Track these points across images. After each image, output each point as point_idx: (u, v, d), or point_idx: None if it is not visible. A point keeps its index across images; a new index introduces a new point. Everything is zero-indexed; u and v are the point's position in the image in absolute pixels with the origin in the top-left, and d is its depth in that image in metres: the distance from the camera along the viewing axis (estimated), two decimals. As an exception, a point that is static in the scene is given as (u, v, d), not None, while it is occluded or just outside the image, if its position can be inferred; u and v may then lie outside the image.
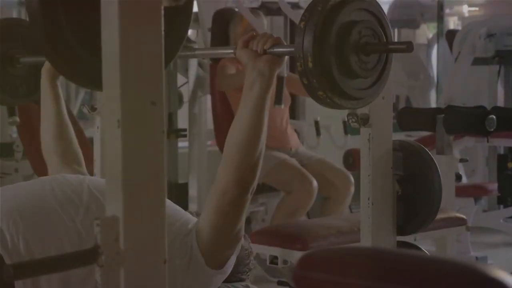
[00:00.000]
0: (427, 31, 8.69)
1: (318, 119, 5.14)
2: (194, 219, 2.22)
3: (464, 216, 3.57)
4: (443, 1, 7.90)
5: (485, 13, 7.79)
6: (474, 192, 5.03)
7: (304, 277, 1.30)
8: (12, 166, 4.68)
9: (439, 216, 2.75)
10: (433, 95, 7.95)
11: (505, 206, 5.94)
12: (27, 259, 1.98)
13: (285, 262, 3.09)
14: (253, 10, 5.01)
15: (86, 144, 4.22)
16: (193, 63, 5.26)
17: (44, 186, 2.18)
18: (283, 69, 4.49)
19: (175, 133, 5.08)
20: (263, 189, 4.60)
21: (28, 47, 2.72)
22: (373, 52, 1.95)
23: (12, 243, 2.02)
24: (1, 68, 2.70)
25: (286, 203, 4.55)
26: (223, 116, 4.85)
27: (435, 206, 2.48)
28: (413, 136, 5.18)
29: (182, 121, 5.34)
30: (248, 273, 2.38)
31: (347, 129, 5.25)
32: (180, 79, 5.28)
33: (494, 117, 3.57)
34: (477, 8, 8.21)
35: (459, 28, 7.60)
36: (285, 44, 2.06)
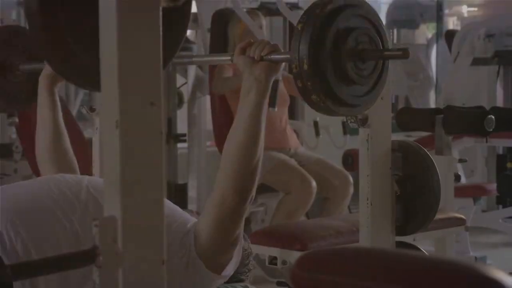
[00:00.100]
0: (426, 31, 8.69)
1: (317, 119, 5.14)
2: (192, 219, 2.21)
3: (463, 216, 3.57)
4: (442, 1, 7.91)
5: (484, 13, 7.79)
6: (473, 192, 5.03)
7: (302, 277, 1.30)
8: (11, 166, 4.68)
9: (438, 216, 2.75)
10: (432, 95, 7.95)
11: (504, 206, 5.94)
12: (25, 260, 1.98)
13: (284, 262, 3.08)
14: (252, 10, 5.01)
15: (85, 145, 4.23)
16: (192, 64, 5.26)
17: (42, 186, 2.18)
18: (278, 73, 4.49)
19: (175, 138, 5.10)
20: (262, 189, 4.60)
21: (27, 54, 2.73)
22: (369, 58, 1.94)
23: (10, 243, 2.01)
24: (0, 75, 2.70)
25: (285, 203, 4.55)
26: (223, 117, 4.85)
27: (434, 206, 2.48)
28: (412, 137, 5.19)
29: (181, 121, 5.34)
30: (247, 274, 2.38)
31: (346, 130, 5.25)
32: (179, 80, 5.28)
33: (493, 117, 3.57)
34: (476, 8, 8.21)
35: (458, 28, 7.60)
36: (282, 51, 2.06)
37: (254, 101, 2.03)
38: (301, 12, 5.66)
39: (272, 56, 2.04)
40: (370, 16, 1.97)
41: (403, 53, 1.93)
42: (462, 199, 4.71)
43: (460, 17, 8.49)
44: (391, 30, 8.21)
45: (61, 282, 2.02)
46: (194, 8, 5.17)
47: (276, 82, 4.25)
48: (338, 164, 4.88)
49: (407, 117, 3.84)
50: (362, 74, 1.94)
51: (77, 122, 4.83)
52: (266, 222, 4.84)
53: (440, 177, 2.49)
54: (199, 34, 5.43)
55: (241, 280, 2.35)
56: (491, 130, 3.58)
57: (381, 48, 1.97)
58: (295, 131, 5.06)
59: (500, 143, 5.74)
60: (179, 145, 5.28)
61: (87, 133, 4.65)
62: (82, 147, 4.25)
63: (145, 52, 1.42)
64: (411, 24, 8.35)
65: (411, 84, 7.68)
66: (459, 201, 4.53)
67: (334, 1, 1.92)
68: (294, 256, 3.02)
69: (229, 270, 2.17)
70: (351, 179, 4.64)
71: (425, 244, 3.79)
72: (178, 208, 2.28)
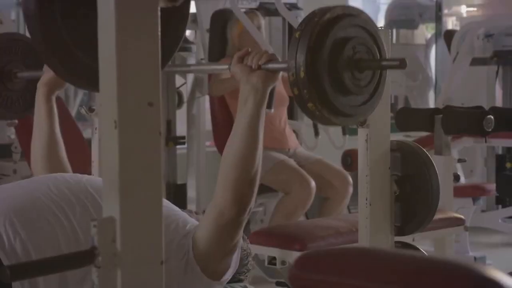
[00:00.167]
0: (425, 32, 8.69)
1: (317, 119, 5.13)
2: (192, 221, 2.21)
3: (462, 216, 3.57)
4: (441, 1, 7.91)
5: (483, 14, 7.79)
6: (472, 192, 5.03)
7: (301, 277, 1.30)
8: (10, 167, 4.68)
9: (437, 216, 2.75)
10: (431, 95, 7.95)
11: (504, 206, 5.94)
12: (24, 260, 1.98)
13: (283, 262, 3.08)
14: (251, 11, 5.01)
15: (84, 145, 4.23)
16: (191, 64, 5.26)
17: (41, 186, 2.18)
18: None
19: (174, 140, 5.10)
20: (261, 189, 4.59)
21: (25, 62, 2.73)
22: (366, 68, 1.93)
23: (9, 243, 2.01)
24: None
25: (284, 203, 4.55)
26: (222, 117, 4.85)
27: (433, 206, 2.48)
28: (411, 137, 5.19)
29: (181, 122, 5.34)
30: (246, 274, 2.38)
31: (346, 130, 5.25)
32: (179, 80, 5.28)
33: (492, 117, 3.57)
34: (475, 9, 8.21)
35: (458, 28, 7.60)
36: (280, 60, 2.06)
37: (252, 110, 2.03)
38: (300, 13, 5.68)
39: (269, 65, 2.05)
40: (368, 26, 1.96)
41: (400, 64, 1.92)
42: (461, 199, 4.71)
43: (459, 17, 8.48)
44: (390, 30, 8.20)
45: (61, 280, 2.02)
46: (193, 8, 5.18)
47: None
48: (337, 164, 4.88)
49: (406, 117, 3.84)
50: (359, 84, 1.93)
51: (76, 122, 4.84)
52: (265, 222, 4.84)
53: (439, 177, 2.49)
54: (198, 35, 5.43)
55: (240, 280, 2.35)
56: (490, 130, 3.58)
57: (379, 58, 1.96)
58: (294, 131, 5.06)
59: (499, 143, 5.74)
60: (178, 135, 5.28)
61: (86, 133, 4.65)
62: (81, 147, 4.25)
63: (144, 53, 1.41)
64: (410, 24, 8.34)
65: (410, 84, 7.68)
66: (459, 201, 4.53)
67: (333, 10, 1.91)
68: (293, 256, 3.02)
69: (227, 276, 2.17)
70: (350, 179, 4.64)
71: (424, 244, 3.79)
72: (177, 209, 2.28)
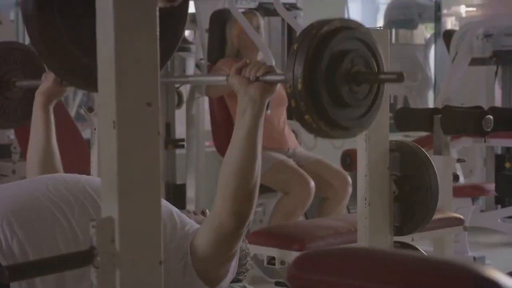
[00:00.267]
0: (424, 32, 8.69)
1: (316, 119, 5.13)
2: (190, 222, 2.21)
3: (461, 216, 3.57)
4: (440, 1, 7.91)
5: (483, 14, 7.79)
6: (471, 192, 5.03)
7: (300, 277, 1.30)
8: (9, 167, 4.68)
9: (437, 216, 2.75)
10: (431, 95, 7.96)
11: (503, 206, 5.94)
12: (22, 260, 1.98)
13: (282, 262, 3.08)
14: (250, 11, 5.01)
15: (83, 146, 4.23)
16: (190, 64, 5.26)
17: (39, 186, 2.18)
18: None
19: (173, 143, 5.10)
20: (260, 189, 4.58)
21: (24, 71, 2.74)
22: (363, 81, 1.92)
23: (6, 244, 2.01)
24: None
25: (284, 203, 4.55)
26: (221, 117, 4.85)
27: (432, 206, 2.48)
28: (410, 137, 5.18)
29: (180, 122, 5.34)
30: (245, 274, 2.38)
31: (345, 130, 5.24)
32: (178, 80, 5.28)
33: (492, 117, 3.57)
34: (474, 9, 8.22)
35: (457, 28, 7.61)
36: (278, 72, 2.06)
37: (250, 122, 2.03)
38: (300, 13, 5.68)
39: (267, 77, 2.04)
40: (367, 39, 1.95)
41: (398, 77, 1.92)
42: (460, 199, 4.71)
43: (459, 17, 8.49)
44: (389, 30, 8.21)
45: (58, 280, 2.02)
46: (192, 9, 5.17)
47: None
48: (336, 164, 4.88)
49: (405, 117, 3.84)
50: (356, 97, 1.92)
51: (75, 122, 4.84)
52: (264, 222, 4.83)
53: (438, 177, 2.49)
54: (197, 35, 5.43)
55: (239, 280, 2.35)
56: (490, 130, 3.58)
57: (377, 71, 1.96)
58: (293, 131, 5.06)
59: (499, 143, 5.74)
60: (177, 138, 5.28)
61: (85, 134, 4.65)
62: (81, 147, 4.25)
63: (142, 53, 1.41)
64: (410, 24, 8.35)
65: (409, 84, 7.68)
66: (458, 201, 4.53)
67: (331, 23, 1.90)
68: (292, 256, 3.02)
69: (225, 284, 2.18)
70: (349, 179, 4.64)
71: (424, 244, 3.79)
72: (175, 209, 2.28)
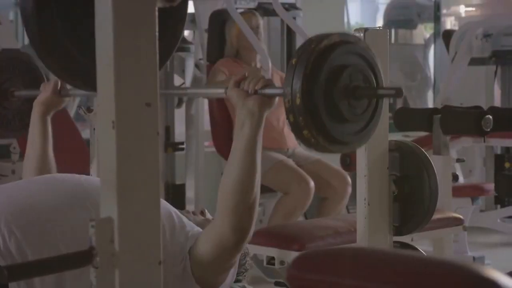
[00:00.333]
0: (424, 32, 8.70)
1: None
2: (189, 224, 2.20)
3: (461, 216, 3.57)
4: (440, 1, 7.91)
5: (482, 13, 7.80)
6: (471, 192, 5.03)
7: (299, 277, 1.30)
8: (8, 167, 4.68)
9: (436, 216, 2.75)
10: (430, 95, 7.96)
11: (502, 206, 5.94)
12: (20, 260, 1.97)
13: (282, 262, 3.08)
14: (249, 11, 5.01)
15: (83, 146, 4.23)
16: (189, 64, 5.27)
17: (38, 186, 2.18)
18: (267, 77, 4.50)
19: (173, 146, 5.11)
20: (260, 190, 4.60)
21: (23, 80, 2.73)
22: (361, 96, 1.91)
23: (4, 244, 2.01)
24: None
25: (283, 203, 4.55)
26: (220, 117, 4.85)
27: (431, 206, 2.48)
28: (410, 137, 5.18)
29: (180, 122, 5.34)
30: (244, 274, 2.38)
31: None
32: (177, 80, 5.29)
33: (491, 117, 3.57)
34: (474, 9, 8.22)
35: (456, 28, 7.61)
36: (276, 86, 2.05)
37: (248, 135, 2.02)
38: (299, 13, 5.66)
39: (266, 91, 2.04)
40: (365, 53, 1.94)
41: (397, 92, 1.91)
42: (460, 199, 4.71)
43: (458, 17, 8.49)
44: (389, 30, 8.21)
45: (57, 279, 2.02)
46: (191, 9, 5.17)
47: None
48: (336, 164, 4.87)
49: (404, 117, 3.84)
50: (355, 111, 1.91)
51: (75, 122, 4.83)
52: (264, 222, 4.83)
53: (438, 177, 2.49)
54: (197, 35, 5.43)
55: (239, 280, 2.35)
56: (489, 130, 3.58)
57: (375, 86, 1.95)
58: (293, 131, 5.05)
59: (498, 143, 5.74)
60: (177, 141, 5.28)
61: (85, 134, 4.65)
62: (80, 147, 4.25)
63: (141, 53, 1.41)
64: (409, 24, 8.35)
65: (409, 84, 7.68)
66: (457, 201, 4.53)
67: (330, 38, 1.89)
68: (292, 256, 3.02)
69: (225, 286, 2.18)
70: (349, 179, 4.64)
71: (423, 244, 3.79)
72: (175, 210, 2.27)
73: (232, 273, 2.19)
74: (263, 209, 4.93)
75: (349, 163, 5.02)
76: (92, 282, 1.39)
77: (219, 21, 4.91)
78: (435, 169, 2.49)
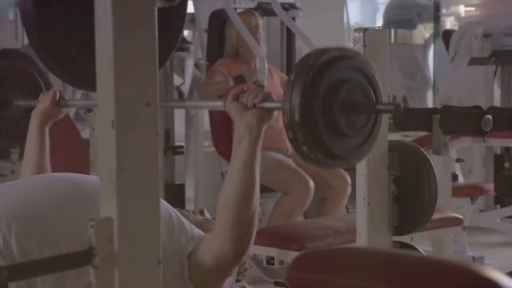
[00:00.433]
0: (423, 31, 8.71)
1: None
2: (189, 225, 2.19)
3: (460, 216, 3.57)
4: (439, 1, 7.91)
5: (482, 13, 7.80)
6: (470, 192, 5.03)
7: (298, 277, 1.30)
8: (8, 167, 4.67)
9: (436, 216, 2.75)
10: (430, 95, 7.96)
11: (502, 206, 5.93)
12: (21, 260, 1.97)
13: (281, 262, 3.08)
14: (249, 11, 5.01)
15: (83, 146, 4.23)
16: (189, 64, 5.27)
17: (38, 185, 2.18)
18: (263, 79, 4.50)
19: (173, 150, 5.11)
20: (260, 189, 4.59)
21: (22, 90, 2.73)
22: (360, 111, 1.90)
23: (4, 244, 2.01)
24: None
25: (283, 203, 4.55)
26: (220, 117, 4.85)
27: (431, 206, 2.48)
28: (409, 136, 5.19)
29: (179, 122, 5.34)
30: (243, 273, 2.38)
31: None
32: (177, 80, 5.29)
33: (491, 117, 3.57)
34: (473, 8, 8.22)
35: (456, 28, 7.61)
36: (275, 100, 2.04)
37: (247, 149, 2.01)
38: (299, 13, 5.65)
39: (264, 104, 2.03)
40: (364, 68, 1.93)
41: (396, 108, 1.91)
42: (459, 199, 4.71)
43: (458, 17, 8.50)
44: (388, 30, 8.22)
45: (56, 281, 2.02)
46: (191, 8, 5.17)
47: (261, 88, 4.28)
48: (335, 164, 4.86)
49: (404, 117, 3.84)
50: (354, 127, 1.91)
51: (74, 122, 4.84)
52: (263, 222, 4.83)
53: (437, 177, 2.49)
54: (196, 35, 5.43)
55: (238, 280, 2.35)
56: (489, 130, 3.58)
57: (374, 101, 1.94)
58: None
59: (498, 143, 5.74)
60: (177, 145, 5.28)
61: (84, 134, 4.65)
62: (80, 147, 4.25)
63: (141, 53, 1.42)
64: (409, 24, 8.35)
65: (408, 84, 7.69)
66: (457, 201, 4.52)
67: (328, 52, 1.88)
68: (291, 256, 3.02)
69: None
70: (349, 179, 4.64)
71: (423, 244, 3.79)
72: (175, 210, 2.27)
73: (230, 282, 2.19)
74: (262, 209, 4.93)
75: (349, 163, 5.02)
76: (91, 282, 1.39)
77: (219, 21, 4.91)
78: (434, 169, 2.49)
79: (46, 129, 2.54)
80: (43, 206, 2.09)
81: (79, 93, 6.22)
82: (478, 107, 3.71)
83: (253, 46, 4.50)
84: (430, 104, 7.57)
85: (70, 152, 4.18)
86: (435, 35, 7.94)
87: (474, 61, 5.89)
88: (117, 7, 1.38)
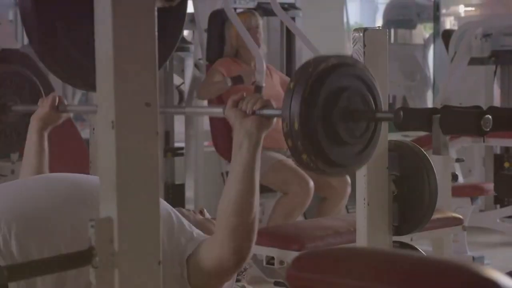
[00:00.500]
0: (423, 31, 8.71)
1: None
2: (189, 226, 2.19)
3: (460, 216, 3.57)
4: (439, 1, 7.91)
5: (481, 13, 7.80)
6: (470, 192, 5.03)
7: (298, 277, 1.30)
8: (8, 167, 4.67)
9: (436, 216, 2.75)
10: (429, 95, 7.96)
11: (502, 206, 5.93)
12: (21, 260, 1.97)
13: (281, 262, 3.08)
14: (248, 10, 5.01)
15: (83, 146, 4.23)
16: (189, 64, 5.27)
17: (38, 185, 2.17)
18: (261, 79, 4.50)
19: (172, 151, 5.11)
20: (260, 189, 4.59)
21: (21, 95, 2.73)
22: (360, 119, 1.90)
23: (4, 244, 2.01)
24: None
25: (283, 203, 4.54)
26: (220, 117, 4.84)
27: (431, 206, 2.48)
28: (409, 136, 5.19)
29: (179, 121, 5.34)
30: (243, 273, 2.38)
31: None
32: (176, 80, 5.29)
33: (490, 117, 3.56)
34: (473, 8, 8.22)
35: (456, 28, 7.61)
36: (274, 107, 2.04)
37: (246, 156, 2.01)
38: (298, 13, 5.65)
39: (264, 111, 2.02)
40: (363, 75, 1.93)
41: (395, 116, 1.91)
42: (459, 199, 4.71)
43: (457, 17, 8.50)
44: (388, 30, 8.22)
45: (56, 281, 2.02)
46: (191, 8, 5.17)
47: (259, 89, 4.28)
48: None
49: (404, 116, 3.83)
50: (353, 134, 1.91)
51: (74, 122, 4.83)
52: (263, 222, 4.83)
53: (437, 177, 2.49)
54: (196, 34, 5.43)
55: (238, 280, 2.35)
56: (488, 130, 3.57)
57: (374, 109, 1.94)
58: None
59: (498, 143, 5.74)
60: (176, 145, 5.28)
61: (84, 134, 4.65)
62: (80, 147, 4.25)
63: (141, 53, 1.42)
64: (408, 24, 8.35)
65: (408, 84, 7.69)
66: (457, 201, 4.52)
67: (328, 60, 1.88)
68: (291, 256, 3.02)
69: None
70: (348, 179, 4.63)
71: (423, 244, 3.79)
72: (174, 211, 2.27)
73: (230, 283, 2.19)
74: (262, 209, 4.93)
75: (348, 163, 5.02)
76: (92, 282, 1.39)
77: (219, 20, 4.91)
78: (434, 169, 2.49)
79: (45, 134, 2.53)
80: (43, 206, 2.09)
81: (79, 93, 6.22)
82: (478, 107, 3.70)
83: (251, 46, 4.49)
84: (430, 104, 7.57)
85: (70, 152, 4.18)
86: (434, 35, 7.94)
87: (473, 61, 5.88)
88: (117, 7, 1.38)
